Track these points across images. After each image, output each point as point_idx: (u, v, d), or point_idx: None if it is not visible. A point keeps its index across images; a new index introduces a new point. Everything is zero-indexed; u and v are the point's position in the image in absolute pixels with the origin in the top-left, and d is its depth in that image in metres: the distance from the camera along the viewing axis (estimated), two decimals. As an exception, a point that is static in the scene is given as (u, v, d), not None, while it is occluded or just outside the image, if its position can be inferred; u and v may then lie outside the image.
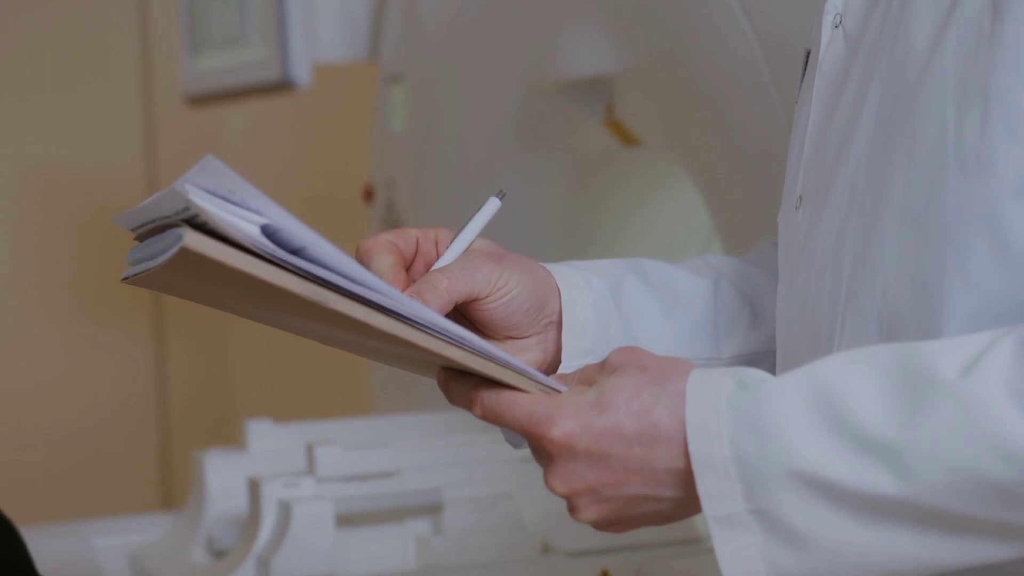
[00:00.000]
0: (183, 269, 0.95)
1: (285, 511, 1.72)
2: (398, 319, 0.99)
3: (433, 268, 1.12)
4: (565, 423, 0.99)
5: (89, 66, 3.49)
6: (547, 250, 2.15)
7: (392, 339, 1.00)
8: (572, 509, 1.01)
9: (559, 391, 1.02)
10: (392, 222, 2.45)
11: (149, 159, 3.53)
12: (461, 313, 1.14)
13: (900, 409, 0.93)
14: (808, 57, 1.16)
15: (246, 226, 0.93)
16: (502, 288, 1.13)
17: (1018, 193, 0.97)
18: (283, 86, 2.50)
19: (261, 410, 2.43)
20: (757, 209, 1.67)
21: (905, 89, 1.02)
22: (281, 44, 2.46)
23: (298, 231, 0.95)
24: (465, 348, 1.02)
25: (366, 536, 1.80)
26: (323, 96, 2.92)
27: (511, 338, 1.16)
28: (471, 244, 1.14)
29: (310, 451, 1.78)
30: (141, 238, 1.00)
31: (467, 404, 1.04)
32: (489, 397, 1.03)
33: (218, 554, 1.87)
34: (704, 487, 0.97)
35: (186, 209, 0.93)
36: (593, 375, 1.02)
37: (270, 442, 1.95)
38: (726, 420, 0.96)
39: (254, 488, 1.75)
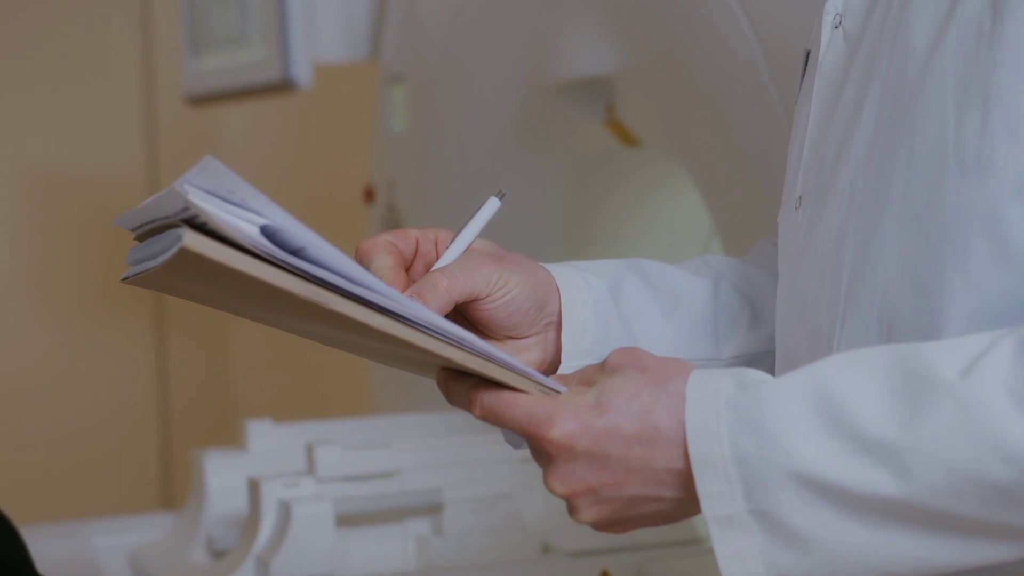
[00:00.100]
0: (182, 269, 0.95)
1: (285, 511, 1.72)
2: (397, 320, 0.99)
3: (433, 268, 1.12)
4: (565, 424, 0.99)
5: (90, 66, 3.49)
6: (547, 250, 2.15)
7: (391, 340, 1.00)
8: (572, 510, 1.01)
9: (558, 392, 1.02)
10: (392, 222, 2.45)
11: (149, 159, 3.53)
12: (461, 313, 1.14)
13: (900, 410, 0.93)
14: (808, 57, 1.16)
15: (245, 226, 0.93)
16: (502, 288, 1.13)
17: (1018, 193, 0.97)
18: (283, 86, 2.50)
19: (261, 410, 2.43)
20: (757, 209, 1.67)
21: (905, 89, 1.02)
22: (281, 44, 2.46)
23: (297, 232, 0.95)
24: (464, 349, 1.01)
25: (366, 536, 1.80)
26: (323, 96, 2.92)
27: (511, 338, 1.16)
28: (471, 244, 1.14)
29: (310, 451, 1.78)
30: (141, 238, 1.00)
31: (467, 405, 1.04)
32: (488, 398, 1.03)
33: (218, 554, 1.87)
34: (704, 488, 0.97)
35: (185, 209, 0.93)
36: (593, 376, 1.02)
37: (270, 442, 1.95)
38: (726, 421, 0.96)
39: (254, 488, 1.75)
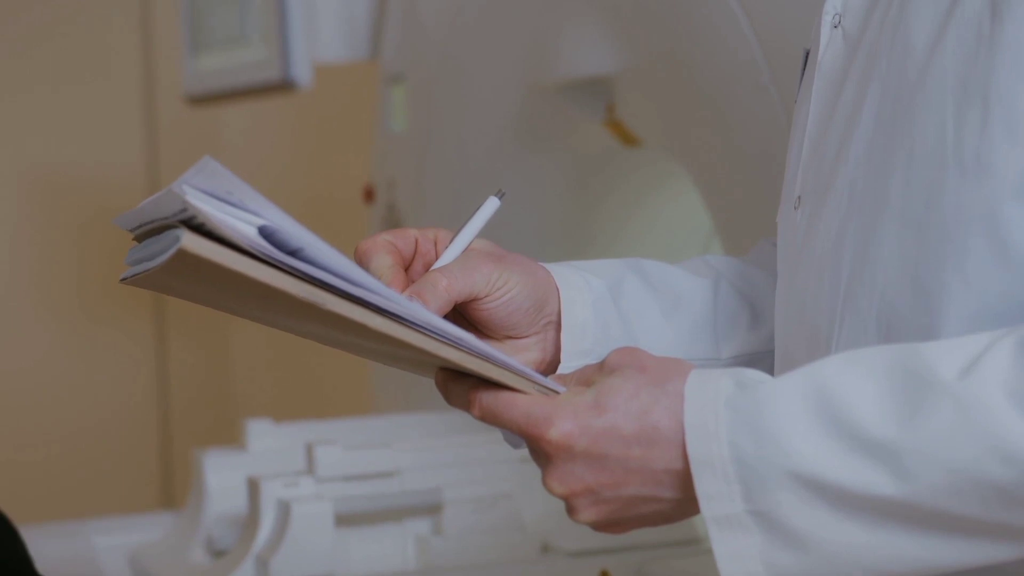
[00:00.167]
0: (181, 270, 0.95)
1: (284, 511, 1.72)
2: (395, 320, 0.99)
3: (432, 268, 1.12)
4: (563, 424, 0.99)
5: (90, 66, 3.49)
6: (547, 250, 2.15)
7: (390, 340, 1.00)
8: (570, 510, 1.01)
9: (557, 392, 1.02)
10: (392, 222, 2.45)
11: (149, 159, 3.53)
12: (460, 313, 1.14)
13: (899, 410, 0.93)
14: (807, 57, 1.16)
15: (243, 227, 0.93)
16: (501, 288, 1.13)
17: (1018, 194, 0.97)
18: (284, 86, 2.50)
19: (261, 410, 2.43)
20: (757, 209, 1.67)
21: (904, 89, 1.02)
22: (282, 44, 2.46)
23: (295, 232, 0.95)
24: (463, 349, 1.01)
25: (366, 536, 1.80)
26: (323, 96, 2.92)
27: (510, 338, 1.16)
28: (470, 244, 1.14)
29: (310, 451, 1.78)
30: (140, 239, 1.00)
31: (465, 405, 1.04)
32: (487, 398, 1.02)
33: (218, 554, 1.87)
34: (703, 488, 0.97)
35: (184, 210, 0.93)
36: (592, 376, 1.02)
37: (270, 442, 1.95)
38: (725, 421, 0.96)
39: (253, 488, 1.75)
